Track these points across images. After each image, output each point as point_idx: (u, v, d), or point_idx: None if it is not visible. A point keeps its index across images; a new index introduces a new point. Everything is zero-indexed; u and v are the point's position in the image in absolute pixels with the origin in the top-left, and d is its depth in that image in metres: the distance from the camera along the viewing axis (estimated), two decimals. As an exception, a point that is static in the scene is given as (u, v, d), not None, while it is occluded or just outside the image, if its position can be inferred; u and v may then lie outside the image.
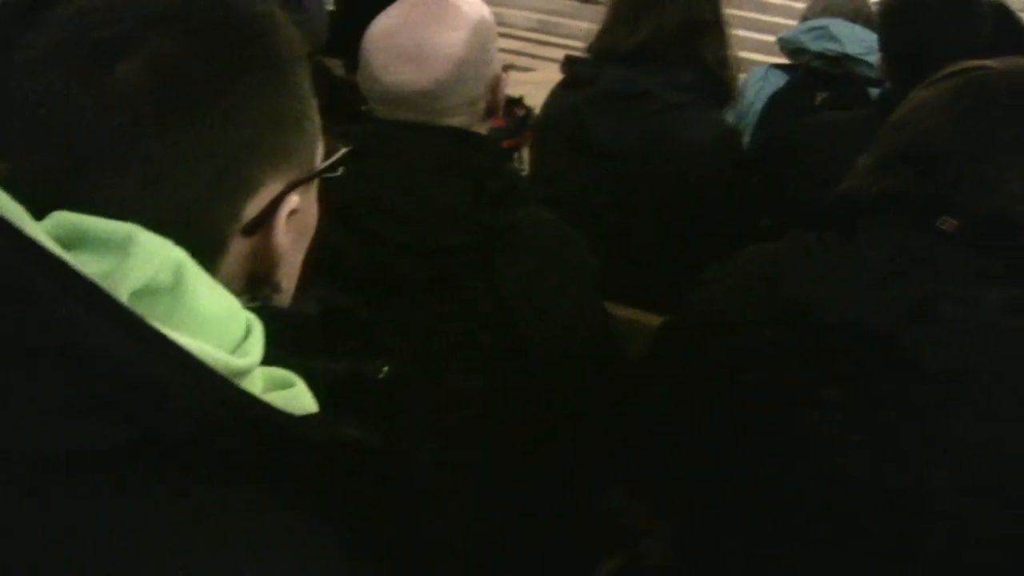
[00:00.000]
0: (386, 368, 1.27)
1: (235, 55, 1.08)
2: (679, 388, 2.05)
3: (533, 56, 11.49)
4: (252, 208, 1.10)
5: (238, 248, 1.10)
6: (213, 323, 0.98)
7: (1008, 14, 4.33)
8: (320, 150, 1.22)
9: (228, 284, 1.07)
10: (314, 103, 1.20)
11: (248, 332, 1.01)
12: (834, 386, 1.78)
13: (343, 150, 1.29)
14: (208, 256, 1.05)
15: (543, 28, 13.72)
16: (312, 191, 1.22)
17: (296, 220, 1.16)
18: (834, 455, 1.76)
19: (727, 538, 1.92)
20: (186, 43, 1.04)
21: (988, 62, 1.94)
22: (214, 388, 0.92)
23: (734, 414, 1.89)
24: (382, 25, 2.12)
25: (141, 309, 0.90)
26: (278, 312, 1.12)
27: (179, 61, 1.03)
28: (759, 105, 4.09)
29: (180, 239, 1.00)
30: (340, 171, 1.25)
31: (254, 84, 1.09)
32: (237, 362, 0.96)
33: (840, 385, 1.77)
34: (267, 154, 1.11)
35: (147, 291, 0.93)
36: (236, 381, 0.95)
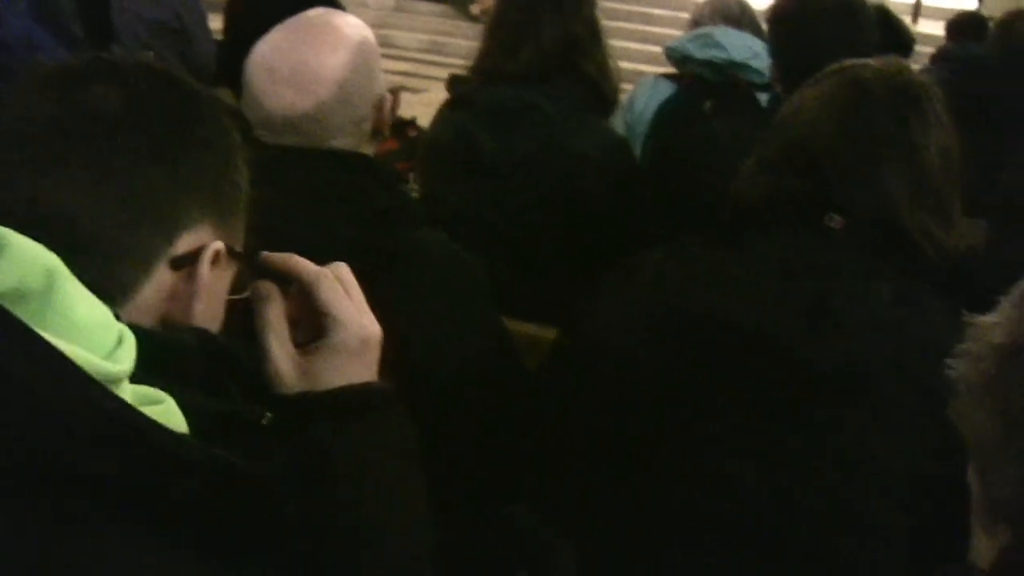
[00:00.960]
0: (268, 415, 1.25)
1: (193, 106, 1.20)
2: (575, 404, 2.04)
3: (425, 77, 11.45)
4: (183, 245, 1.16)
5: (163, 280, 1.15)
6: (85, 329, 0.97)
7: (892, 18, 4.41)
8: (244, 193, 1.31)
9: (140, 318, 1.11)
10: (241, 154, 1.29)
11: (120, 341, 1.00)
12: (729, 392, 1.79)
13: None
14: (131, 280, 1.12)
15: (434, 49, 13.71)
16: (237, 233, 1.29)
17: (221, 264, 1.22)
18: (730, 462, 1.77)
19: (630, 551, 1.92)
20: (155, 86, 1.17)
21: (866, 61, 1.97)
22: (84, 390, 0.90)
23: (630, 428, 1.89)
24: (262, 50, 2.09)
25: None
26: (154, 334, 1.10)
27: (150, 95, 1.16)
28: (649, 115, 4.10)
29: (112, 253, 1.09)
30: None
31: (204, 134, 1.20)
32: (110, 367, 0.95)
33: (735, 391, 1.78)
34: (206, 198, 1.19)
35: (17, 294, 0.93)
36: (108, 387, 0.94)
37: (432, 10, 14.69)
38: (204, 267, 1.18)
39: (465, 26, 14.02)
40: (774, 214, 1.88)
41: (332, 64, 2.06)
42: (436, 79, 11.25)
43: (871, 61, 1.99)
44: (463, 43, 13.09)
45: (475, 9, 14.18)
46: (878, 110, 1.88)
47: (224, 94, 5.49)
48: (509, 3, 3.27)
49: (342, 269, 1.39)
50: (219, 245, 1.20)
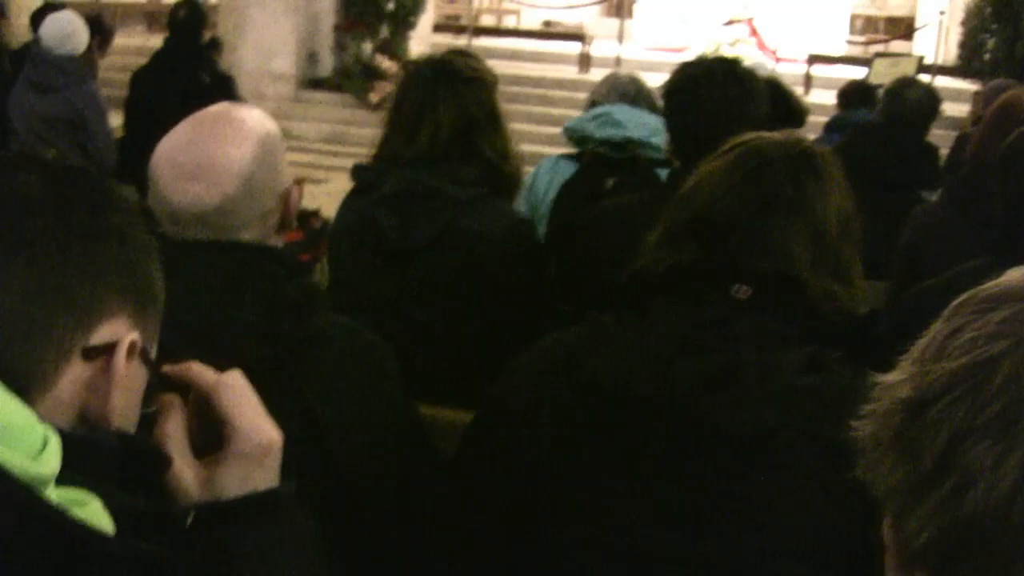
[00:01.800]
0: (193, 514, 1.26)
1: (108, 198, 1.22)
2: (487, 484, 2.05)
3: (327, 167, 11.49)
4: (99, 336, 1.15)
5: (80, 370, 1.14)
6: (10, 430, 0.97)
7: (783, 90, 4.52)
8: (160, 283, 1.32)
9: (59, 410, 1.10)
10: (155, 247, 1.30)
11: (45, 443, 1.00)
12: (643, 462, 1.80)
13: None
14: (50, 369, 1.11)
15: (334, 139, 13.73)
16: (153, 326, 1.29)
17: (135, 359, 1.21)
18: (648, 531, 1.78)
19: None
20: (72, 177, 1.19)
21: (765, 133, 2.02)
22: (12, 492, 0.89)
23: (548, 503, 1.90)
24: (167, 145, 2.09)
25: None
26: (75, 436, 1.10)
27: (68, 186, 1.17)
28: (551, 195, 4.16)
29: (31, 340, 1.08)
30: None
31: (121, 225, 1.21)
32: (37, 468, 0.94)
33: (649, 461, 1.80)
34: (123, 288, 1.19)
35: None
36: (35, 489, 0.93)
37: (331, 100, 14.74)
38: (120, 359, 1.18)
39: (364, 115, 14.08)
40: (681, 285, 1.91)
41: (238, 158, 2.07)
42: (338, 169, 11.28)
43: (769, 134, 2.05)
44: (364, 132, 13.09)
45: (374, 97, 14.27)
46: (779, 178, 1.92)
47: (126, 190, 5.45)
48: (407, 88, 3.32)
49: (236, 376, 1.40)
50: (135, 337, 1.20)
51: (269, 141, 2.15)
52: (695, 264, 1.92)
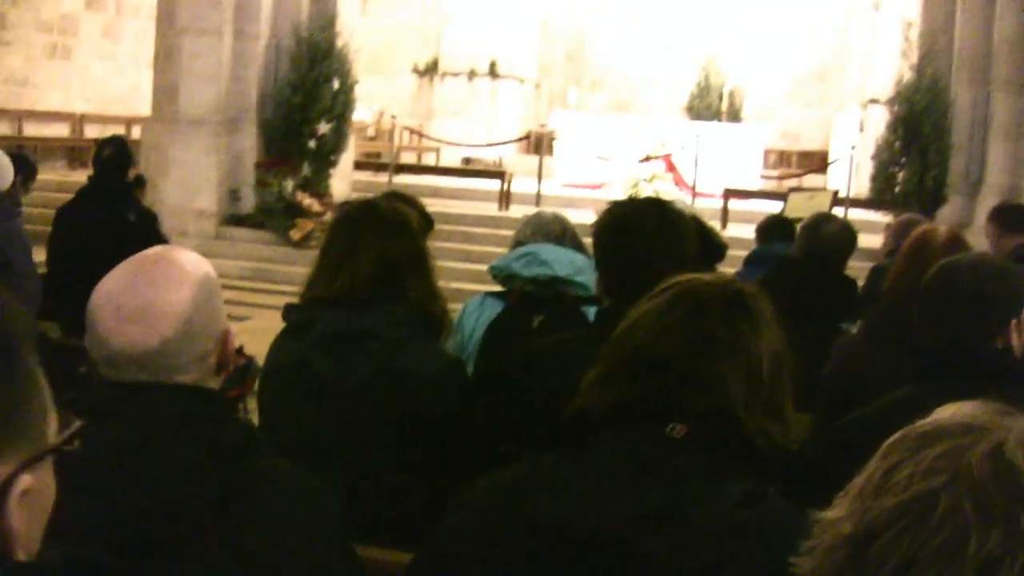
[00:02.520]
0: None
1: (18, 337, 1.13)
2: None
3: (249, 304, 11.46)
4: None
5: None
6: None
7: (704, 227, 4.62)
8: (52, 423, 1.21)
9: None
10: (41, 377, 1.20)
11: None
12: None
13: (77, 424, 1.28)
14: None
15: (258, 276, 13.73)
16: (47, 466, 1.20)
17: (32, 498, 1.15)
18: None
19: None
20: None
21: (696, 275, 2.08)
22: None
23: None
24: (106, 287, 2.10)
25: None
26: (19, 566, 1.09)
27: None
28: (479, 333, 4.19)
29: None
30: (76, 444, 1.24)
31: (30, 365, 1.14)
32: None
33: None
34: (20, 428, 1.13)
35: None
36: None
37: (253, 237, 14.74)
38: (11, 518, 1.13)
39: (287, 251, 14.14)
40: (619, 423, 1.95)
41: (176, 300, 2.09)
42: (261, 306, 11.27)
43: (701, 275, 2.11)
44: (286, 269, 13.18)
45: (296, 234, 14.31)
46: (714, 319, 1.98)
47: (49, 327, 5.42)
48: (333, 230, 3.38)
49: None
50: (25, 483, 1.15)
51: (207, 284, 2.18)
52: (633, 403, 1.95)
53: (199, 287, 2.14)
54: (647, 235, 3.12)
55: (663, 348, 1.97)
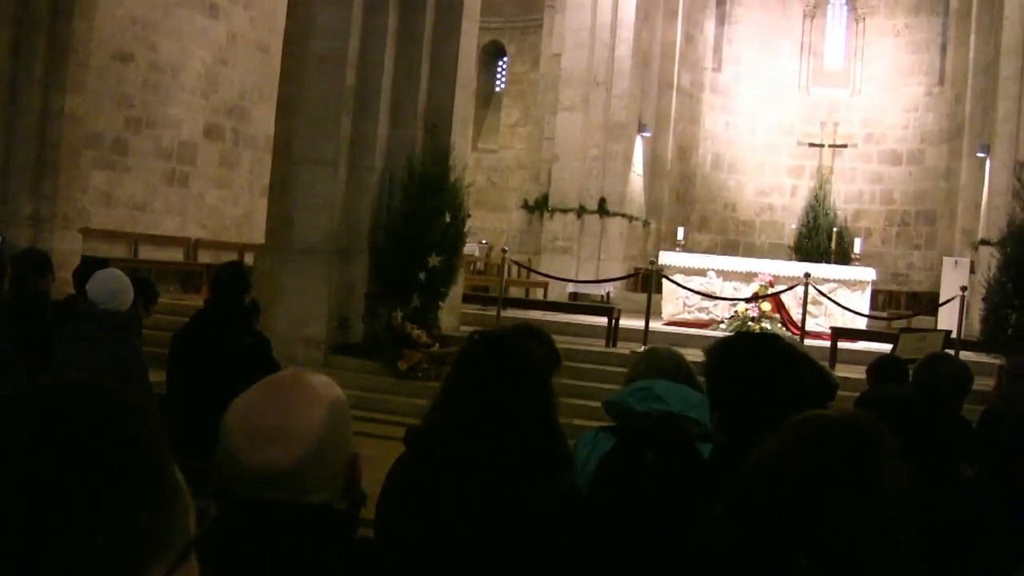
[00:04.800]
0: None
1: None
2: None
3: (356, 433, 11.51)
4: None
5: None
6: None
7: (812, 364, 4.59)
8: (192, 516, 1.25)
9: None
10: (177, 472, 1.24)
11: None
12: None
13: (212, 512, 1.31)
14: None
15: (364, 405, 13.65)
16: (191, 557, 1.24)
17: None
18: None
19: None
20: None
21: (823, 411, 2.09)
22: None
23: None
24: (241, 408, 2.17)
25: None
26: None
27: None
28: (591, 467, 4.18)
29: None
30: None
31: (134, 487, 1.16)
32: None
33: None
34: (147, 543, 1.16)
35: None
36: None
37: (360, 366, 14.81)
38: None
39: (392, 382, 14.21)
40: (744, 560, 1.95)
41: (310, 422, 2.14)
42: (366, 435, 11.32)
43: (827, 412, 2.11)
44: (392, 398, 13.25)
45: (403, 365, 14.38)
46: (841, 453, 1.98)
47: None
48: (461, 360, 3.44)
49: None
50: None
51: (338, 407, 2.24)
52: (758, 538, 1.95)
53: (331, 409, 2.20)
54: (761, 370, 3.12)
55: (790, 487, 1.97)
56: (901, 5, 28.68)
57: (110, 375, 6.44)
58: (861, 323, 18.99)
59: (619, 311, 17.24)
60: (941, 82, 27.77)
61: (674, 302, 20.39)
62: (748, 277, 20.19)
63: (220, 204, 23.49)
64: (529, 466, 3.22)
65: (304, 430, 2.13)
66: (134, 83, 21.33)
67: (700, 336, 17.57)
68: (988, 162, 23.18)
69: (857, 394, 7.20)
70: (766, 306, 19.47)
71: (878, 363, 7.53)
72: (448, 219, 15.27)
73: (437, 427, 3.34)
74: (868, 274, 20.41)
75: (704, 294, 19.92)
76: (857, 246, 23.57)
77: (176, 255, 22.12)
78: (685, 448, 3.97)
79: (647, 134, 26.13)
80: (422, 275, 15.05)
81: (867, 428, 2.05)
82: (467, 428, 3.24)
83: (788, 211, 28.71)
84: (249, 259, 17.50)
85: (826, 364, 13.27)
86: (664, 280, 19.51)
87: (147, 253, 21.20)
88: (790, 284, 18.80)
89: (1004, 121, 22.66)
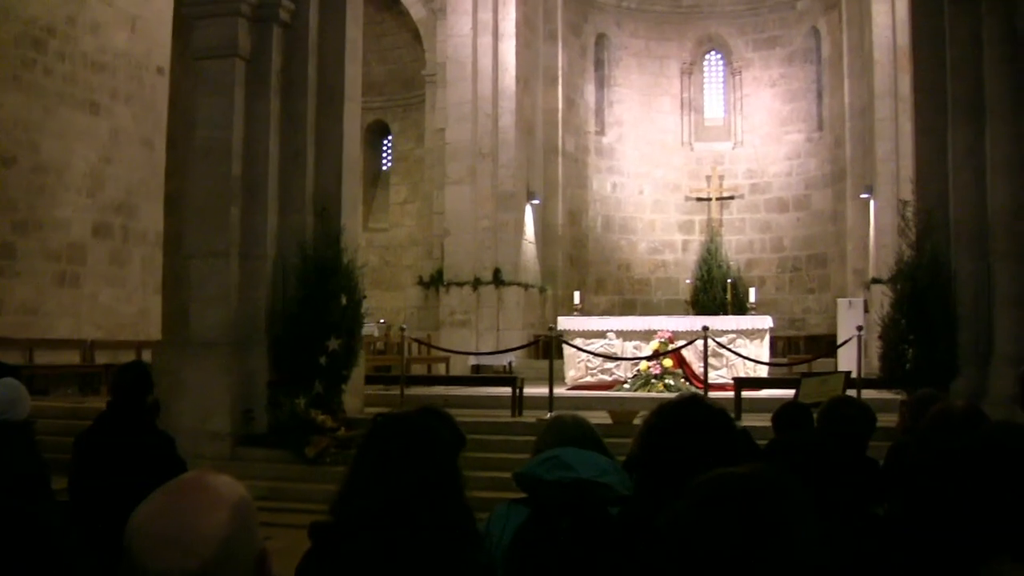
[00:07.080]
0: None
1: None
2: None
3: (267, 524, 11.36)
4: None
5: None
6: None
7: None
8: None
9: None
10: None
11: None
12: None
13: None
14: None
15: (274, 495, 13.55)
16: None
17: None
18: None
19: None
20: None
21: (730, 469, 2.10)
22: None
23: None
24: (145, 512, 2.14)
25: None
26: None
27: None
28: (506, 540, 4.16)
29: None
30: None
31: None
32: None
33: None
34: None
35: None
36: None
37: (268, 456, 14.66)
38: None
39: (301, 469, 14.07)
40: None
41: (214, 524, 2.11)
42: (278, 525, 11.21)
43: (735, 469, 2.12)
44: (301, 486, 13.11)
45: (310, 451, 14.26)
46: (747, 509, 1.99)
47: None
48: (366, 447, 3.40)
49: None
50: None
51: (243, 506, 2.20)
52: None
53: (235, 510, 2.17)
54: (698, 431, 3.17)
55: (704, 544, 1.98)
56: (775, 56, 29.31)
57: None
58: (763, 371, 19.20)
59: (522, 380, 17.27)
60: (820, 128, 28.38)
61: (576, 366, 20.49)
62: (647, 335, 20.36)
63: (114, 303, 23.23)
64: (441, 547, 3.19)
65: (208, 533, 2.10)
66: (18, 186, 21.10)
67: (605, 398, 17.67)
68: (872, 202, 23.71)
69: (766, 442, 7.27)
70: (668, 363, 19.63)
71: (782, 411, 7.58)
72: (344, 301, 15.26)
73: (341, 521, 3.30)
74: (765, 322, 20.68)
75: (605, 355, 20.05)
76: (752, 295, 23.90)
77: (73, 358, 21.78)
78: (598, 514, 3.98)
79: (536, 201, 26.35)
80: (323, 359, 15.00)
81: (773, 481, 2.07)
82: (372, 519, 3.20)
83: (682, 266, 29.07)
84: (147, 356, 17.28)
85: (732, 415, 13.37)
86: (564, 345, 19.59)
87: (43, 358, 20.85)
88: (689, 339, 18.98)
89: (884, 161, 23.25)
